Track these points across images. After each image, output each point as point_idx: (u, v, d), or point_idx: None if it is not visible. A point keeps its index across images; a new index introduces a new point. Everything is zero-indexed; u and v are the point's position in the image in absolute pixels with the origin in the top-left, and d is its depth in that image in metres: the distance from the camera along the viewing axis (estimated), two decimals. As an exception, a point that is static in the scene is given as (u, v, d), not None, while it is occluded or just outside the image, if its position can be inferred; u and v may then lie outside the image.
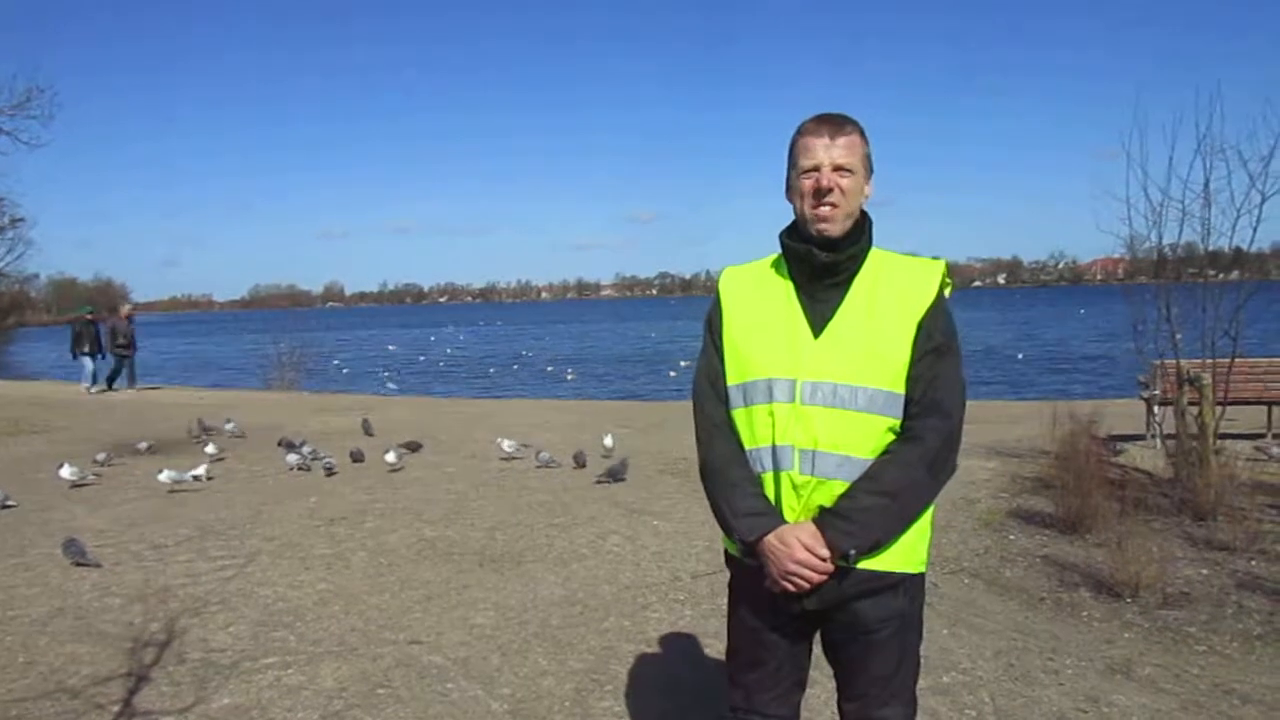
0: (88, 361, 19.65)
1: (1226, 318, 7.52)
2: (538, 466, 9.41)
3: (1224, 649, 4.55)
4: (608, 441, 9.99)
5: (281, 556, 6.23)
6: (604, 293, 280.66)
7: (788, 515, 2.13)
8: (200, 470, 8.87)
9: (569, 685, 4.11)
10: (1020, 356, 33.07)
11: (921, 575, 2.22)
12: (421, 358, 42.58)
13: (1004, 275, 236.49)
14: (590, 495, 8.08)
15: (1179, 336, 7.95)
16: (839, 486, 2.09)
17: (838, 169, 2.12)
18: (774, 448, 2.12)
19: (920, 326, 2.10)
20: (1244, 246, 7.85)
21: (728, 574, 2.42)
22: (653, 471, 9.12)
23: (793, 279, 2.21)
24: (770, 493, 2.15)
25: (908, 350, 2.09)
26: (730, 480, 2.17)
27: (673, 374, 29.26)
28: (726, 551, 2.32)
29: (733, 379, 2.20)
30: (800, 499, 2.11)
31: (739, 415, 2.19)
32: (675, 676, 4.25)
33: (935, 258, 2.19)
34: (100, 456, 9.88)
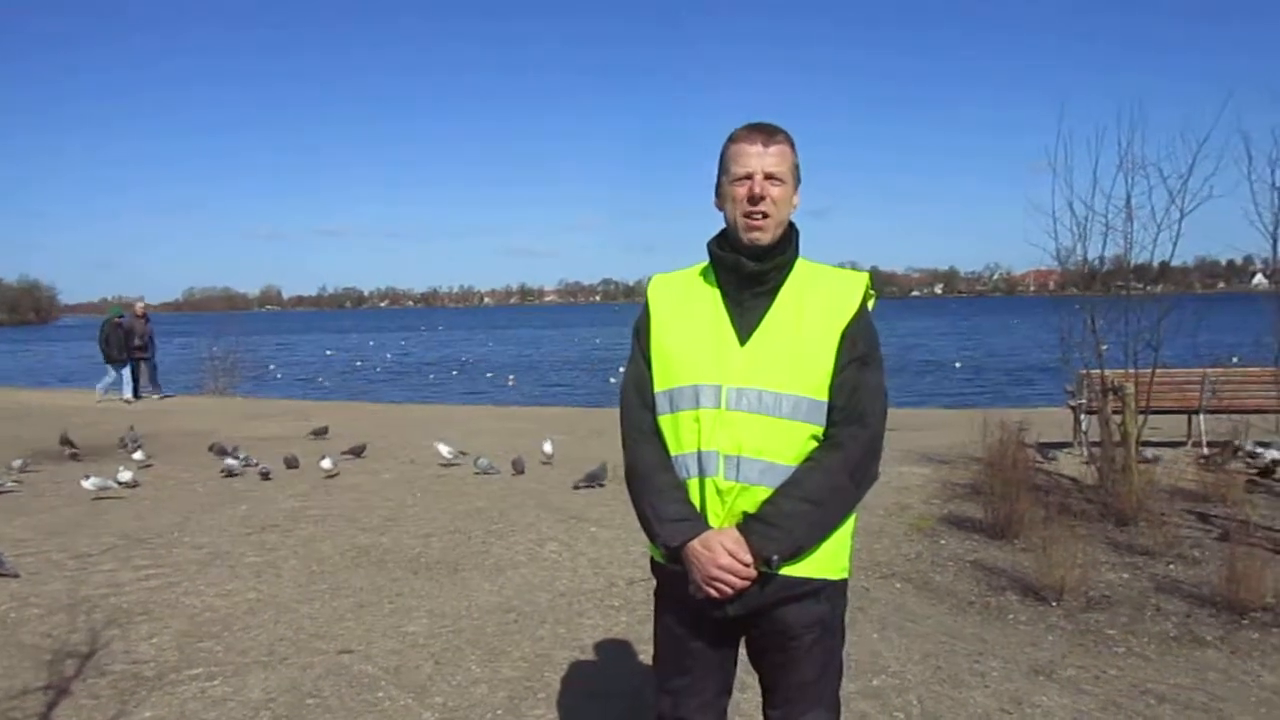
0: (112, 369, 18.14)
1: (1149, 329, 7.77)
2: (476, 473, 9.36)
3: (1142, 650, 4.68)
4: (547, 448, 9.97)
5: (210, 565, 6.10)
6: (547, 298, 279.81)
7: (712, 521, 2.14)
8: (127, 476, 8.65)
9: (502, 693, 4.09)
10: (958, 365, 33.74)
11: (844, 581, 2.25)
12: (359, 363, 41.96)
13: (941, 285, 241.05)
14: (529, 502, 8.05)
15: (1104, 347, 8.18)
16: (762, 492, 2.11)
17: (769, 177, 2.15)
18: (699, 453, 2.13)
19: (844, 336, 2.14)
20: (1165, 260, 8.11)
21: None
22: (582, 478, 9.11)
23: (720, 287, 2.23)
24: (695, 498, 2.16)
25: (832, 359, 2.13)
26: (655, 486, 2.19)
27: (613, 380, 29.26)
28: (652, 558, 2.33)
29: (660, 385, 2.22)
30: (724, 505, 2.13)
31: (665, 421, 2.20)
32: (608, 684, 4.25)
33: (857, 268, 2.23)
34: (16, 463, 9.57)
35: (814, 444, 2.13)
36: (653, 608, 2.40)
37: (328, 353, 50.80)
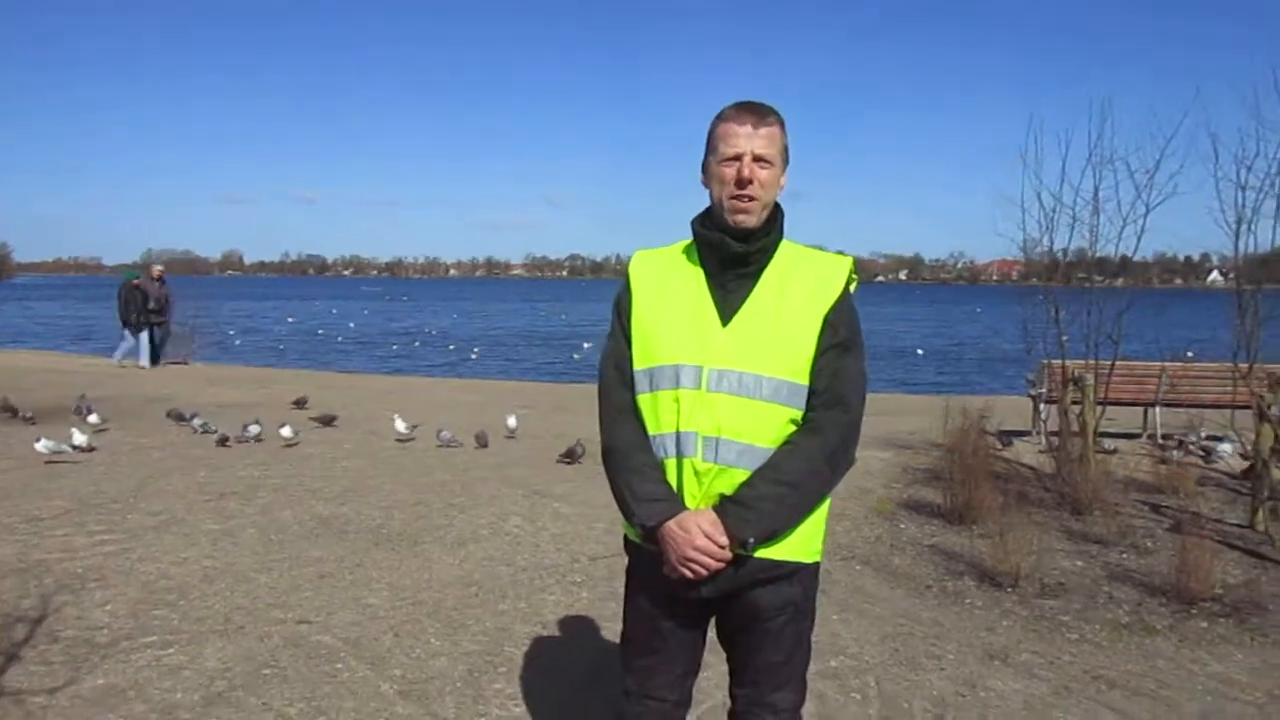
0: (129, 334, 17.47)
1: (1110, 322, 7.87)
2: (439, 446, 9.30)
3: (1094, 637, 4.77)
4: (511, 422, 9.92)
5: (166, 532, 6.02)
6: (514, 272, 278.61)
7: (689, 502, 2.13)
8: (81, 440, 8.48)
9: (461, 666, 4.07)
10: (920, 352, 34.03)
11: (816, 565, 2.26)
12: (320, 331, 41.49)
13: (905, 272, 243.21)
14: (492, 476, 8.02)
15: (1065, 338, 8.29)
16: (740, 475, 2.10)
17: (758, 159, 2.12)
18: (678, 434, 2.12)
19: (826, 320, 2.12)
20: (1129, 255, 8.22)
21: (626, 558, 2.42)
22: (556, 454, 9.09)
23: (703, 266, 2.21)
24: (672, 479, 2.15)
25: (813, 343, 2.12)
26: (632, 465, 2.17)
27: (576, 356, 29.20)
28: (626, 537, 2.32)
29: (639, 364, 2.19)
30: (701, 486, 2.12)
31: (644, 400, 2.18)
32: (569, 659, 4.25)
33: (842, 253, 2.22)
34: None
35: (793, 427, 2.13)
36: (624, 585, 2.39)
37: (289, 320, 50.20)
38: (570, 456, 8.56)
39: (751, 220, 2.14)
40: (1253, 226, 6.76)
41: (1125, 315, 7.93)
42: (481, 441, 9.35)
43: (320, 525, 6.30)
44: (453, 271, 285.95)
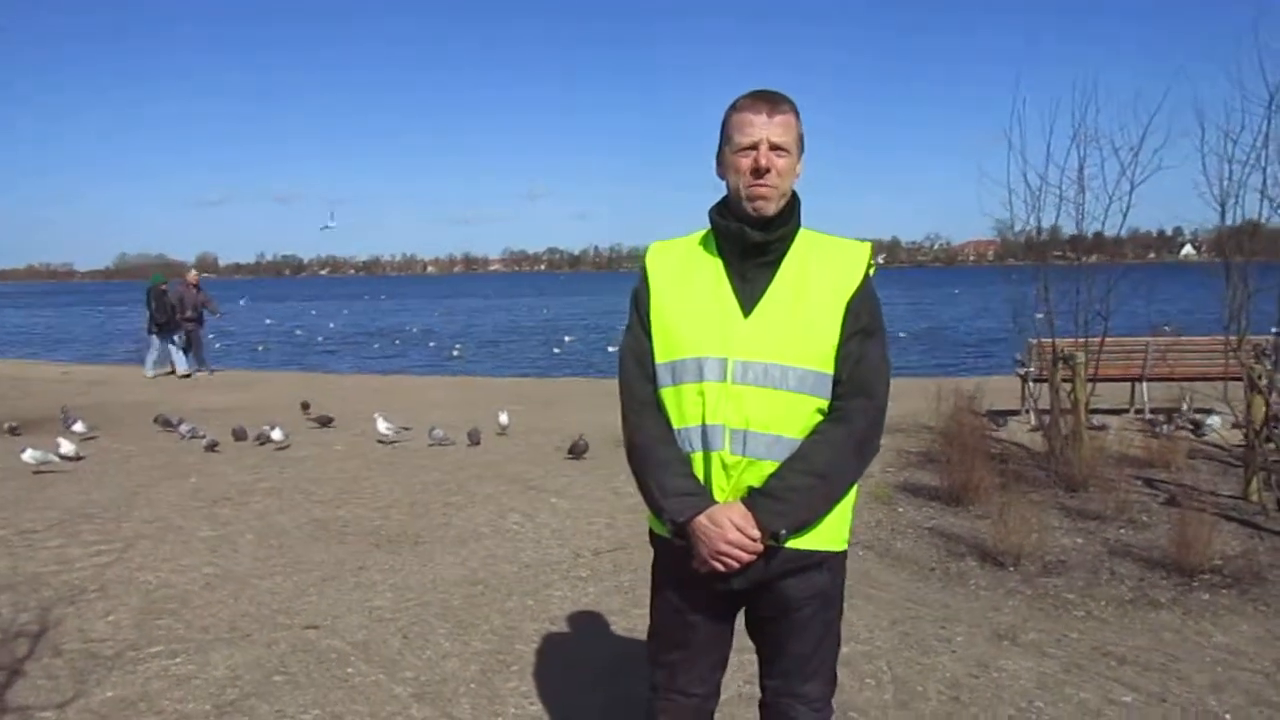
0: (156, 341, 16.75)
1: (1099, 299, 7.91)
2: (431, 444, 9.25)
3: (1100, 613, 4.80)
4: (503, 419, 9.86)
5: (163, 540, 5.95)
6: (492, 267, 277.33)
7: (717, 495, 2.11)
8: (69, 449, 8.39)
9: (474, 667, 4.05)
10: (902, 334, 34.15)
11: (844, 553, 2.24)
12: (299, 331, 41.12)
13: (883, 255, 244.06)
14: (487, 473, 7.99)
15: (1039, 316, 8.33)
16: (769, 467, 2.08)
17: (774, 148, 2.10)
18: (704, 427, 2.10)
19: (848, 308, 2.11)
20: (1117, 232, 8.26)
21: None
22: (549, 449, 9.07)
23: (722, 257, 2.19)
24: (699, 472, 2.13)
25: (837, 331, 2.10)
26: (659, 460, 2.15)
27: (557, 350, 29.10)
28: (651, 531, 2.30)
29: (661, 357, 2.17)
30: (730, 479, 2.10)
31: (667, 394, 2.16)
32: (581, 654, 4.23)
33: (861, 239, 2.20)
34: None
35: (819, 417, 2.11)
36: (650, 580, 2.37)
37: (267, 321, 49.73)
38: (575, 452, 8.50)
39: (770, 208, 2.12)
40: (1240, 199, 6.80)
41: (1112, 291, 7.97)
42: (474, 439, 9.30)
43: (318, 528, 6.25)
44: (430, 268, 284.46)
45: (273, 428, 9.28)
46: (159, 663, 4.06)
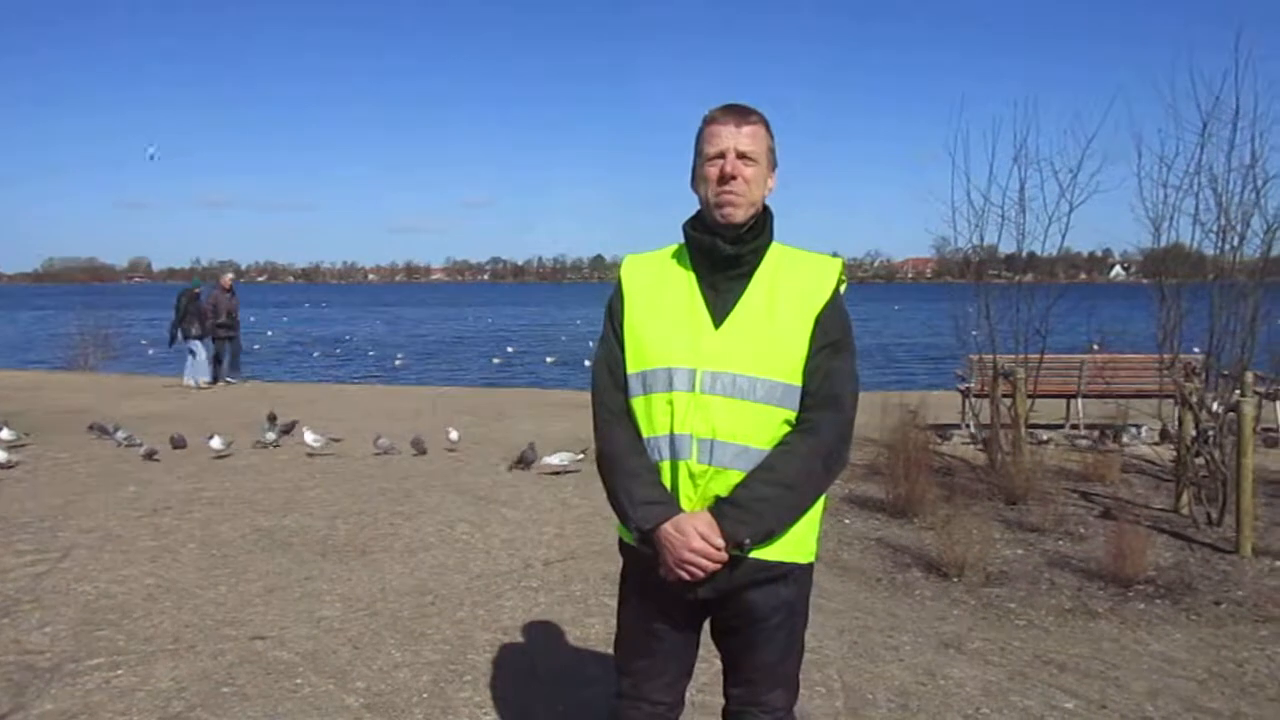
0: (198, 347, 15.86)
1: (1038, 317, 8.14)
2: (376, 454, 9.14)
3: (1041, 623, 4.93)
4: (452, 435, 9.61)
5: (101, 550, 5.81)
6: (434, 276, 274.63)
7: (684, 504, 2.14)
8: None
9: (425, 676, 4.02)
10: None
11: (810, 565, 2.28)
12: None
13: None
14: (435, 483, 7.92)
15: (995, 336, 8.55)
16: (735, 476, 2.11)
17: (742, 156, 2.14)
18: (672, 436, 2.12)
19: (818, 321, 2.15)
20: (1054, 252, 8.51)
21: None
22: (498, 459, 9.03)
23: (695, 269, 2.22)
24: (667, 481, 2.15)
25: (805, 344, 2.14)
26: (628, 469, 2.17)
27: (496, 360, 28.94)
28: (620, 540, 2.31)
29: (632, 367, 2.19)
30: (697, 488, 2.13)
31: (638, 403, 2.18)
32: (534, 664, 4.23)
33: (834, 254, 2.25)
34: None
35: (787, 428, 2.14)
36: (618, 588, 2.39)
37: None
38: (524, 463, 8.47)
39: (738, 215, 2.16)
40: (1173, 223, 7.05)
41: (1051, 310, 8.21)
42: (419, 448, 9.21)
43: (263, 538, 6.15)
44: (372, 277, 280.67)
45: (210, 437, 9.09)
46: (100, 675, 3.96)
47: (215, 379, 16.27)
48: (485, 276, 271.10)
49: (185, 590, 5.07)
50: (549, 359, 28.85)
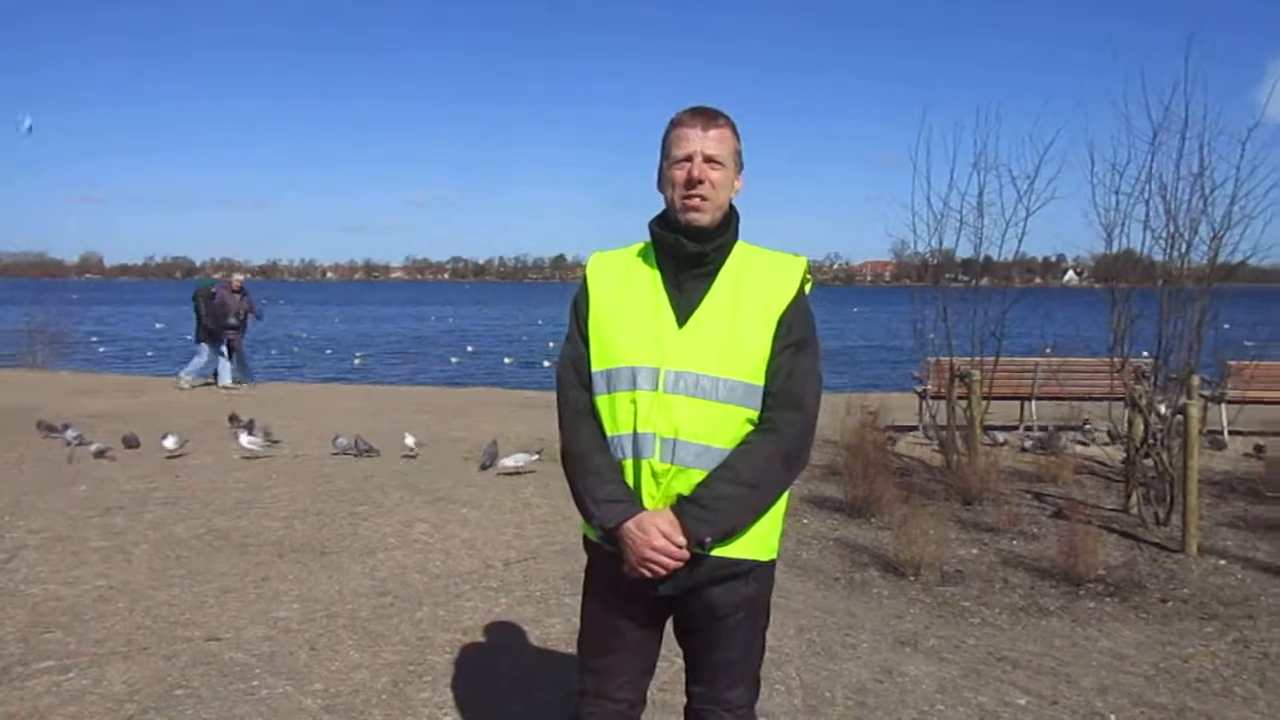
0: (204, 350, 15.45)
1: (994, 320, 8.27)
2: (334, 454, 9.05)
3: (995, 620, 5.02)
4: (409, 441, 9.26)
5: (50, 550, 5.69)
6: (394, 275, 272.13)
7: (647, 503, 2.15)
8: (-57, 456, 7.92)
9: (384, 677, 3.99)
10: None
11: (772, 563, 2.30)
12: (188, 336, 39.62)
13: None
14: (393, 483, 7.86)
15: (952, 339, 8.68)
16: (697, 475, 2.13)
17: (709, 160, 2.16)
18: (635, 435, 2.14)
19: (781, 321, 2.17)
20: (1011, 257, 8.66)
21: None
22: (457, 459, 8.98)
23: (660, 268, 2.23)
24: (630, 480, 2.17)
25: (768, 343, 2.16)
26: (591, 467, 2.18)
27: (455, 360, 28.76)
28: (585, 537, 2.32)
29: (597, 365, 2.20)
30: (659, 487, 2.14)
31: (602, 402, 2.19)
32: (495, 664, 4.22)
33: (796, 254, 2.28)
34: None
35: (749, 427, 2.16)
36: (582, 586, 2.40)
37: (158, 325, 47.88)
38: (491, 462, 8.41)
39: (704, 219, 2.18)
40: (1125, 229, 7.20)
41: (1008, 314, 8.35)
42: (377, 448, 9.11)
43: (218, 538, 6.06)
44: (330, 275, 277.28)
45: (164, 436, 8.94)
46: (49, 678, 3.88)
47: (244, 377, 15.91)
48: (445, 276, 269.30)
49: (138, 591, 4.99)
50: (507, 359, 28.74)
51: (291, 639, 4.39)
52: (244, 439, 9.00)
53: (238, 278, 16.33)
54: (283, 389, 16.90)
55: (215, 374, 15.65)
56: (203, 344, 15.51)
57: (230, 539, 6.06)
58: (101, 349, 31.15)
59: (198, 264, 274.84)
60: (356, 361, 29.15)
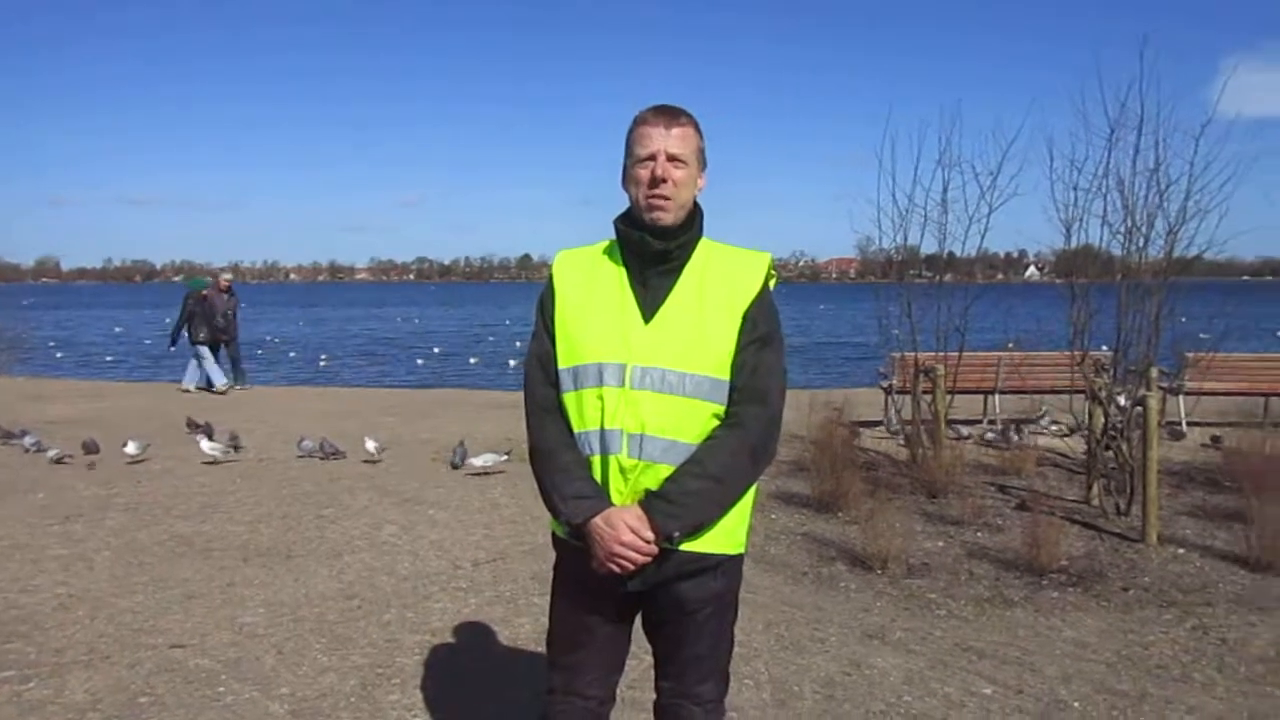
0: (206, 352, 14.96)
1: (958, 316, 8.36)
2: (299, 456, 8.97)
3: (960, 612, 5.08)
4: (369, 446, 8.95)
5: (8, 559, 5.60)
6: (359, 276, 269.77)
7: (614, 498, 2.16)
8: (-104, 465, 7.76)
9: (353, 681, 3.97)
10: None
11: (740, 556, 2.32)
12: (148, 341, 38.96)
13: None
14: (360, 485, 7.81)
15: (917, 334, 8.76)
16: (665, 470, 2.14)
17: (672, 159, 2.17)
18: (602, 431, 2.14)
19: (746, 316, 2.18)
20: (974, 253, 8.75)
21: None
22: (424, 460, 8.94)
23: (625, 265, 2.24)
24: (597, 475, 2.17)
25: (734, 339, 2.17)
26: (559, 464, 2.18)
27: (421, 361, 28.57)
28: (553, 534, 2.33)
29: (564, 362, 2.21)
30: (627, 482, 2.15)
31: (569, 398, 2.20)
32: (463, 665, 4.20)
33: (760, 250, 2.29)
34: None
35: (715, 422, 2.18)
36: (550, 583, 2.40)
37: (117, 330, 47.14)
38: (461, 459, 8.39)
39: (668, 218, 2.19)
40: (1083, 224, 7.31)
41: (971, 309, 8.44)
42: (343, 450, 9.04)
43: (182, 544, 5.99)
44: (293, 276, 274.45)
45: (125, 442, 8.80)
46: (9, 688, 3.82)
47: (239, 379, 15.63)
48: (411, 276, 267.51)
49: (99, 599, 4.92)
50: (473, 360, 28.58)
51: (258, 644, 4.35)
52: (205, 445, 8.84)
53: (225, 278, 16.05)
54: (247, 392, 16.69)
55: (206, 377, 15.23)
56: (201, 346, 15.08)
57: (194, 544, 5.98)
58: (59, 354, 30.57)
59: (157, 266, 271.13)
60: (322, 364, 28.84)
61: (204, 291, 15.18)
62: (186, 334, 15.21)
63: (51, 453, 8.67)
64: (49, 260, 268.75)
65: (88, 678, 3.94)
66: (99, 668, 4.04)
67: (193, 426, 10.12)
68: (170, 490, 7.55)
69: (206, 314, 14.99)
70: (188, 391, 15.10)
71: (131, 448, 8.73)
